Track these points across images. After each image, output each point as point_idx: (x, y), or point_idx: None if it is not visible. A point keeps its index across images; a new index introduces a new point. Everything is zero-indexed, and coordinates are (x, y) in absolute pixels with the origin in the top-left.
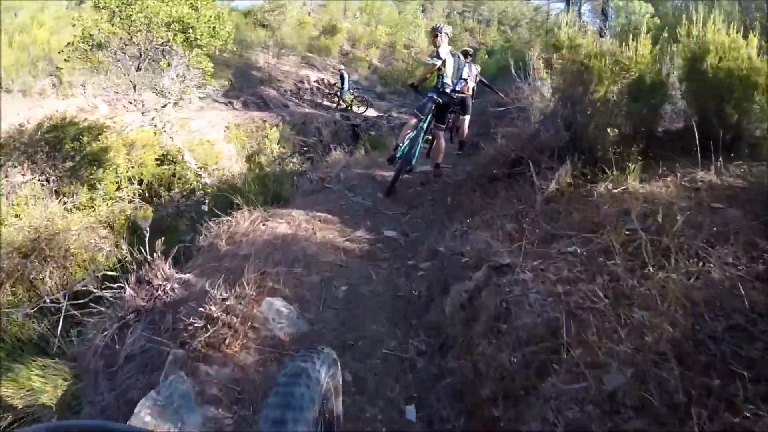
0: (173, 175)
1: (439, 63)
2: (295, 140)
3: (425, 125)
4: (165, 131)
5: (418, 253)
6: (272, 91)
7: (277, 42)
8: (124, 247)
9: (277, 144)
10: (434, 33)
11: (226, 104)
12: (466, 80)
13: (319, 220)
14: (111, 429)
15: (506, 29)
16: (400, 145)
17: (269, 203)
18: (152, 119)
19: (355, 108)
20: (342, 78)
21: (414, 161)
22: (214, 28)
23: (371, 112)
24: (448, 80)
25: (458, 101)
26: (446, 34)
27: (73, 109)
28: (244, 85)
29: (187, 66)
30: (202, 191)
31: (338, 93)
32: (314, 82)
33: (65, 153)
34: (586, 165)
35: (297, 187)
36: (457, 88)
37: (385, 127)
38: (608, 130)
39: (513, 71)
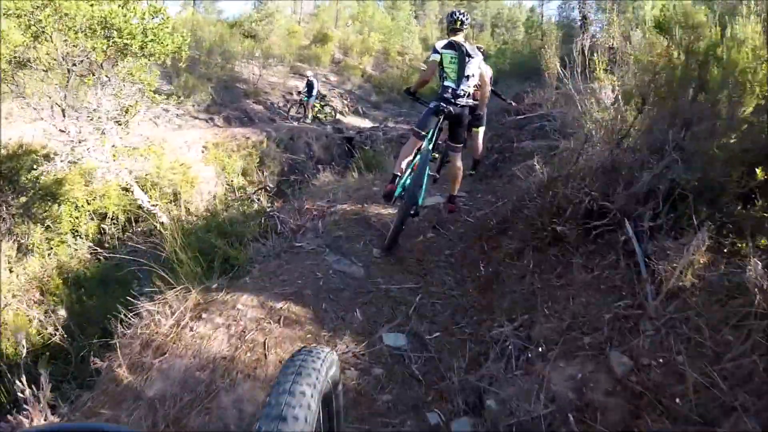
0: (140, 207)
1: (435, 58)
2: (281, 158)
3: (431, 145)
4: (103, 163)
5: (444, 397)
6: (257, 104)
7: (265, 52)
8: None
9: (257, 164)
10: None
11: (207, 121)
12: (468, 77)
13: (279, 319)
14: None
15: (502, 32)
16: (399, 175)
17: (219, 272)
18: (87, 150)
19: (322, 118)
20: (309, 85)
21: (421, 200)
22: (152, 30)
23: (366, 123)
24: (449, 82)
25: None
26: (453, 20)
27: (39, 133)
28: (227, 100)
29: (123, 81)
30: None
31: (303, 102)
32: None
33: (21, 187)
34: (725, 230)
35: (260, 240)
36: (460, 92)
37: (381, 140)
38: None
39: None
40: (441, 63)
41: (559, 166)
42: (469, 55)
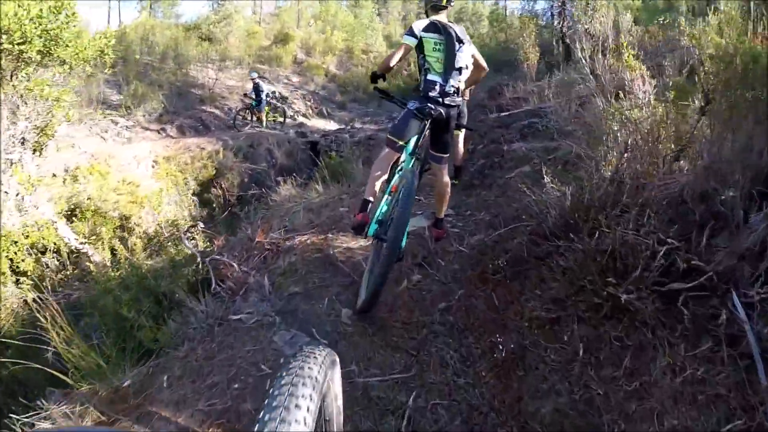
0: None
1: (409, 42)
2: (241, 169)
3: (411, 159)
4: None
5: None
6: (214, 110)
7: (222, 54)
8: None
9: (213, 176)
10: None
11: (158, 131)
12: (460, 70)
13: None
14: None
15: (467, 25)
16: (371, 201)
17: (136, 357)
18: None
19: (273, 120)
20: (257, 89)
21: (403, 242)
22: (53, 31)
23: (331, 125)
24: (434, 75)
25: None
26: None
27: None
28: (180, 107)
29: (21, 97)
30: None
31: (252, 107)
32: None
33: None
34: None
35: (190, 302)
36: (449, 88)
37: (348, 143)
38: None
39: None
40: (422, 50)
41: (590, 188)
42: (460, 41)
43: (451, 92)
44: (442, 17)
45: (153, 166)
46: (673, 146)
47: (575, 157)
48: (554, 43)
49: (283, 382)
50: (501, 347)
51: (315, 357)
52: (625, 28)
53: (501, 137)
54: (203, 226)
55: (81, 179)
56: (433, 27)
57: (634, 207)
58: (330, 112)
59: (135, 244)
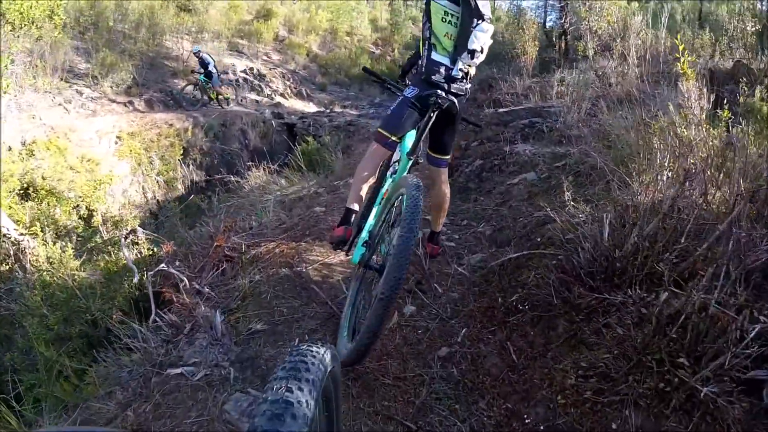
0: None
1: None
2: (211, 149)
3: (409, 162)
4: None
5: None
6: (187, 85)
7: (200, 26)
8: None
9: (181, 156)
10: None
11: (126, 104)
12: (473, 53)
13: None
14: None
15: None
16: (355, 209)
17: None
18: None
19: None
20: (203, 63)
21: (403, 274)
22: None
23: (310, 107)
24: (440, 55)
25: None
26: None
27: None
28: (151, 80)
29: None
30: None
31: (201, 84)
32: (241, 72)
33: None
34: None
35: (122, 334)
36: (457, 72)
37: (327, 127)
38: None
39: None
40: (429, 18)
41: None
42: (480, 16)
43: (459, 77)
44: None
45: (116, 143)
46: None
47: (589, 168)
48: (555, 38)
49: (281, 377)
50: (525, 419)
51: (314, 352)
52: (635, 29)
53: (500, 136)
54: (143, 231)
55: (37, 154)
56: None
57: (703, 260)
58: (309, 94)
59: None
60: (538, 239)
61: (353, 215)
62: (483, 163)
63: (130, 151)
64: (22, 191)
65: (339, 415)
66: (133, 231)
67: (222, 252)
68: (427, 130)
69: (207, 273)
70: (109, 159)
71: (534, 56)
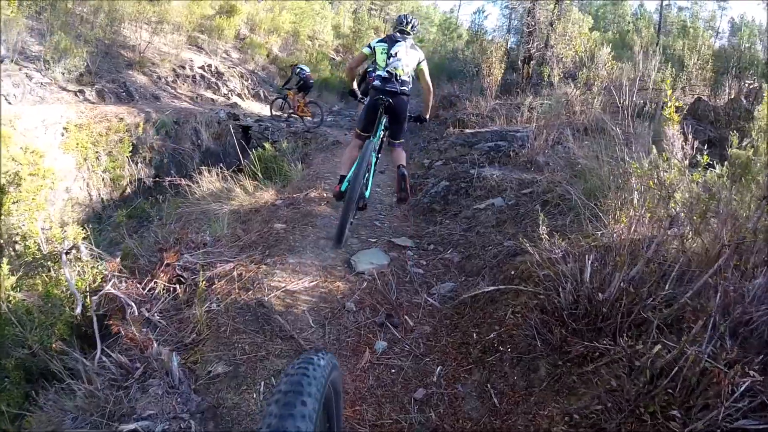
0: None
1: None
2: (161, 147)
3: (377, 145)
4: None
5: None
6: (142, 77)
7: (161, 17)
8: None
9: (130, 153)
10: None
11: (76, 93)
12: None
13: None
14: None
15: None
16: (345, 175)
17: None
18: None
19: None
20: (305, 78)
21: (368, 193)
22: None
23: (268, 110)
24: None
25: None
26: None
27: None
28: (104, 69)
29: None
30: None
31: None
32: (199, 68)
33: None
34: None
35: (62, 383)
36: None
37: (284, 133)
38: None
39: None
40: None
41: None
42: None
43: (385, 77)
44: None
45: (62, 134)
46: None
47: (558, 197)
48: (519, 62)
49: (286, 385)
50: None
51: (317, 361)
52: (602, 60)
53: (465, 158)
54: (87, 245)
55: None
56: (386, 38)
57: (692, 310)
58: (267, 96)
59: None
60: (512, 272)
61: (343, 179)
62: (449, 185)
63: (77, 144)
64: None
65: (339, 422)
66: (75, 248)
67: (173, 271)
68: (379, 123)
69: (157, 300)
70: (54, 151)
71: (498, 78)
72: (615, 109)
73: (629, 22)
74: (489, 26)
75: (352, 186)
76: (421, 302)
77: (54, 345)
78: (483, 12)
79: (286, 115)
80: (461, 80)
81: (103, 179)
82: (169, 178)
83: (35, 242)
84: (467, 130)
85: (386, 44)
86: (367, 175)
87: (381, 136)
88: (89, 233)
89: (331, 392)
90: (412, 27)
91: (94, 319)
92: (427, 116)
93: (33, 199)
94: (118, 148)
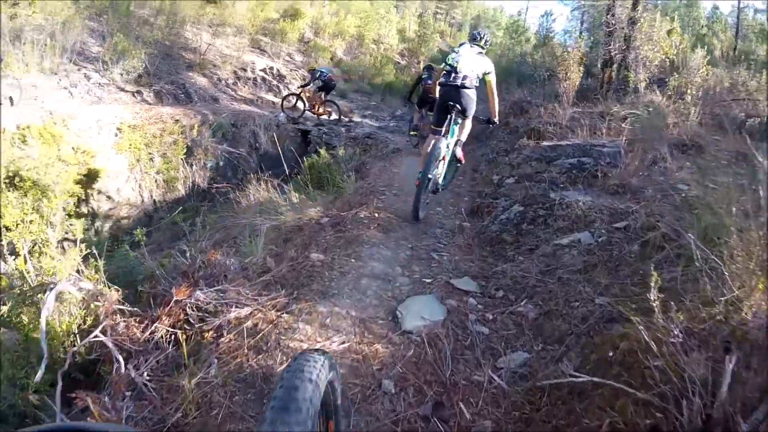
0: None
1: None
2: (217, 151)
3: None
4: None
5: None
6: (202, 78)
7: (223, 20)
8: None
9: (184, 155)
10: None
11: (134, 94)
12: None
13: None
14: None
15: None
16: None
17: None
18: None
19: None
20: (328, 80)
21: (442, 180)
22: None
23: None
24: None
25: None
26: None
27: None
28: (164, 70)
29: None
30: None
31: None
32: (260, 70)
33: None
34: None
35: None
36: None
37: (343, 138)
38: None
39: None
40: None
41: None
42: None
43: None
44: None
45: (116, 135)
46: None
47: (661, 238)
48: (599, 66)
49: (285, 384)
50: None
51: (315, 360)
52: (695, 65)
53: (542, 175)
54: (80, 277)
55: (29, 141)
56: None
57: None
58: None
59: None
60: (609, 353)
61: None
62: (524, 211)
63: (130, 145)
64: (8, 180)
65: (339, 421)
66: (55, 287)
67: (181, 312)
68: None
69: (152, 351)
70: (107, 152)
71: (576, 83)
72: (711, 122)
73: (703, 26)
74: (557, 28)
75: (423, 173)
76: (483, 381)
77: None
78: (551, 15)
79: (298, 113)
80: (531, 85)
81: (156, 181)
82: (218, 185)
83: (25, 270)
84: (544, 143)
85: (455, 51)
86: (442, 164)
87: (456, 132)
88: (98, 260)
89: (329, 395)
90: (485, 42)
91: (59, 386)
92: (497, 120)
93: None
94: (172, 149)
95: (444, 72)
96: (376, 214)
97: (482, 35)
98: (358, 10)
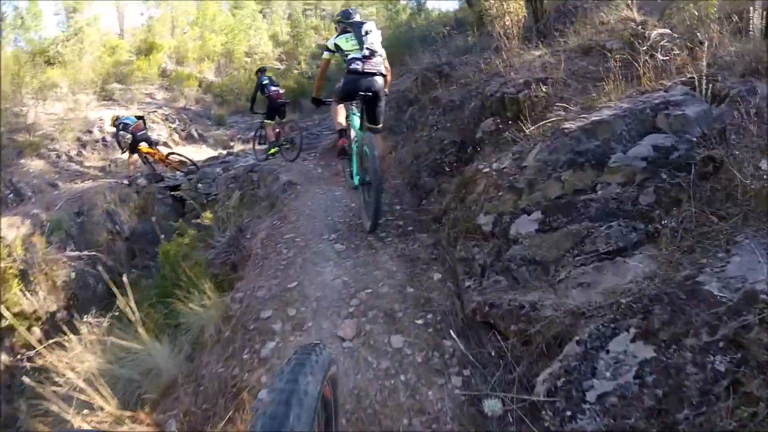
0: None
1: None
2: (60, 260)
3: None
4: None
5: None
6: (38, 162)
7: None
8: None
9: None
10: None
11: None
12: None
13: None
14: None
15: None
16: (344, 126)
17: None
18: None
19: None
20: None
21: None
22: None
23: (204, 150)
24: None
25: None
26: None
27: None
28: None
29: None
30: None
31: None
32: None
33: None
34: None
35: None
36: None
37: (222, 180)
38: None
39: None
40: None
41: None
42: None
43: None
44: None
45: None
46: None
47: None
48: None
49: (283, 379)
50: None
51: (314, 355)
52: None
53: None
54: None
55: None
56: (345, 30)
57: None
58: (202, 133)
59: None
60: None
61: (344, 132)
62: None
63: None
64: None
65: (338, 418)
66: None
67: None
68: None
69: None
70: None
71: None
72: None
73: None
74: None
75: (377, 177)
76: None
77: None
78: None
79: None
80: (430, 47)
81: None
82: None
83: None
84: (566, 124)
85: (350, 33)
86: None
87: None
88: None
89: (329, 390)
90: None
91: None
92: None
93: None
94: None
95: (355, 58)
96: None
97: (356, 11)
98: (221, 27)
